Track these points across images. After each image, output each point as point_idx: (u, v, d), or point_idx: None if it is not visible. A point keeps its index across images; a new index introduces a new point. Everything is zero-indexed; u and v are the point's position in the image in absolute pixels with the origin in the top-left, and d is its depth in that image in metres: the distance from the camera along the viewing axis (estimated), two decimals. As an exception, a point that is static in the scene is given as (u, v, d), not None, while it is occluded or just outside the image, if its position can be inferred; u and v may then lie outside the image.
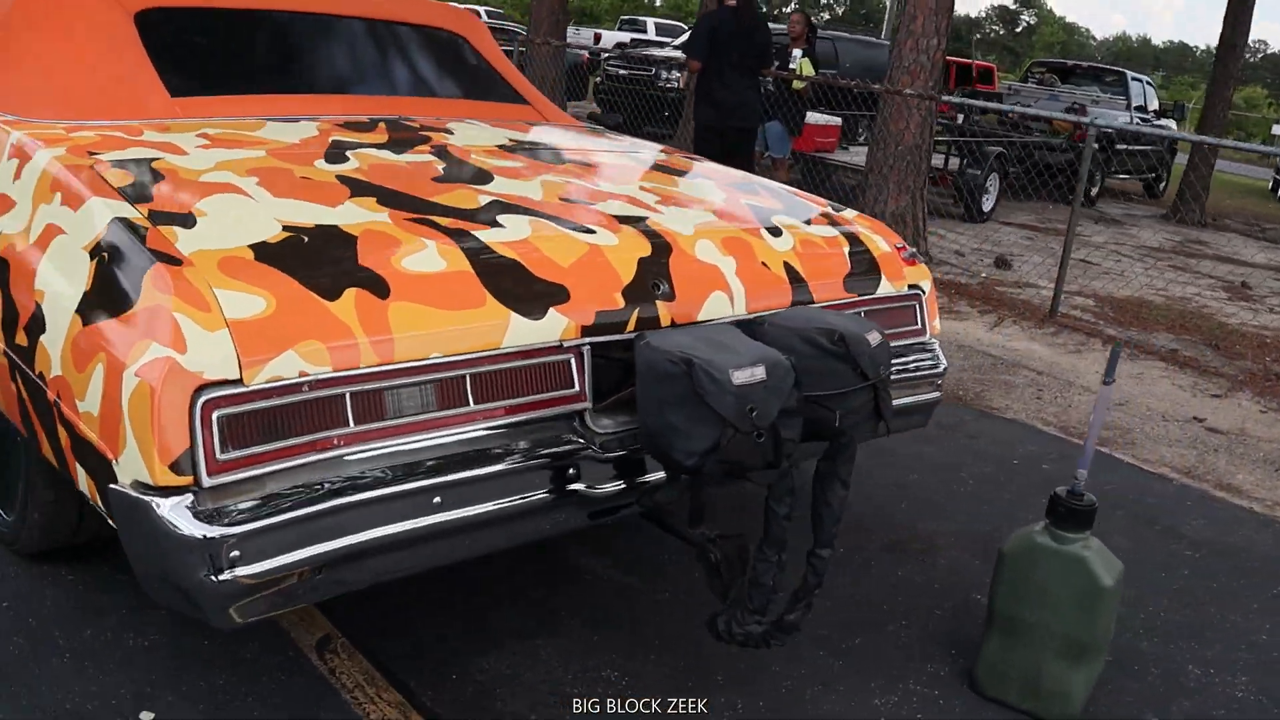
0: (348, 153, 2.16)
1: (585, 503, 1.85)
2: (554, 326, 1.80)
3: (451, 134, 2.50)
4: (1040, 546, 2.14)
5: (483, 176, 2.16)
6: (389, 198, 1.92)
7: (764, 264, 2.19)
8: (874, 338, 1.91)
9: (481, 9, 17.18)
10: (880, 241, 2.52)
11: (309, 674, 2.10)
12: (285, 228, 1.70)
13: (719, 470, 1.69)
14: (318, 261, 1.63)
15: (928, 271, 2.61)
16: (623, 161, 2.65)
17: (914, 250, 2.61)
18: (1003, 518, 3.05)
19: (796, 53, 7.60)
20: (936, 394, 2.59)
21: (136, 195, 1.75)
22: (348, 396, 1.58)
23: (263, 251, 1.62)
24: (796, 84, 7.37)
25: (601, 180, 2.33)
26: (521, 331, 1.76)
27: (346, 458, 1.58)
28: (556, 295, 1.82)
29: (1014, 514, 3.06)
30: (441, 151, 2.29)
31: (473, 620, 2.32)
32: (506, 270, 1.79)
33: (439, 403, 1.68)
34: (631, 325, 1.90)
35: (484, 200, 2.00)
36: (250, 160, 2.00)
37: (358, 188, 1.94)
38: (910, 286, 2.52)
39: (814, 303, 2.26)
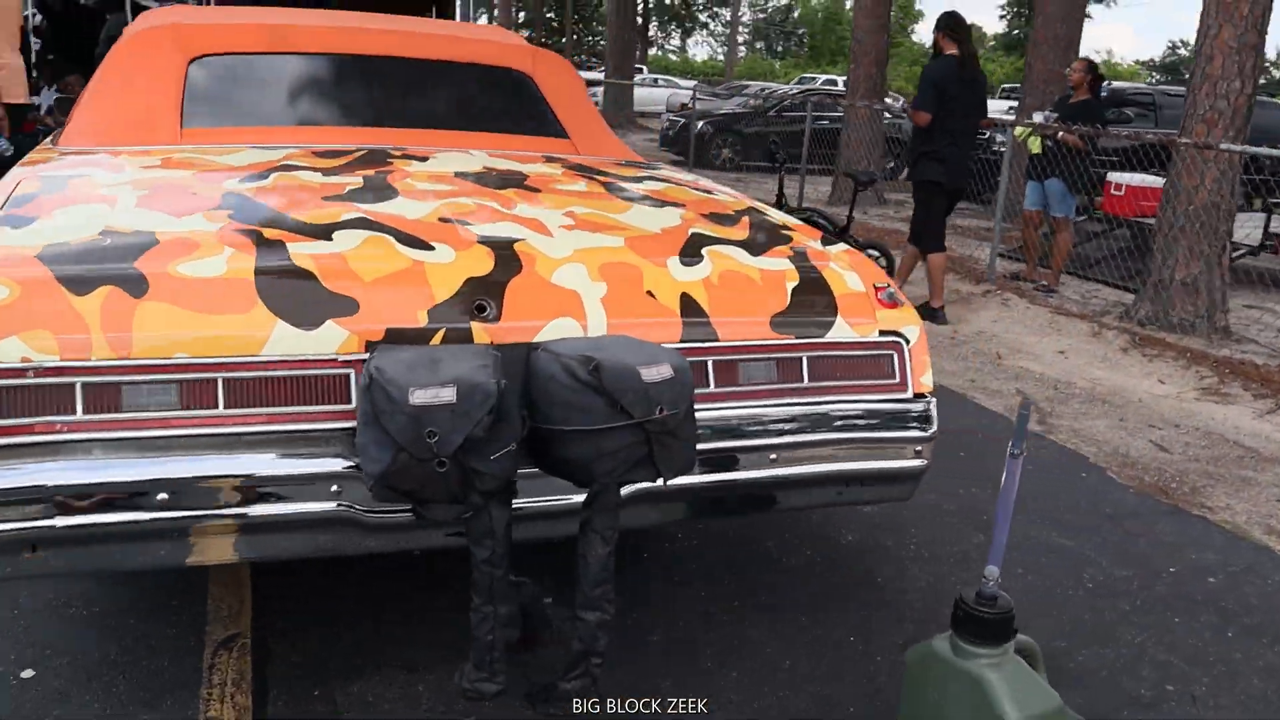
0: (272, 174, 2.27)
1: (351, 524, 1.76)
2: (330, 339, 1.75)
3: (422, 162, 2.53)
4: (937, 659, 1.71)
5: (383, 196, 2.16)
6: (247, 211, 1.98)
7: (649, 293, 1.98)
8: (656, 371, 1.64)
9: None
10: (850, 280, 2.17)
11: (188, 665, 2.19)
12: (103, 232, 1.82)
13: (393, 498, 1.53)
14: (90, 260, 1.72)
15: (915, 317, 2.20)
16: (584, 189, 2.51)
17: (894, 291, 2.21)
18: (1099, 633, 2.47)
19: (1038, 115, 6.83)
20: (919, 462, 2.16)
21: (12, 201, 1.96)
22: (78, 386, 1.64)
23: (49, 250, 1.74)
24: (1032, 143, 6.63)
25: (520, 204, 2.23)
26: (286, 341, 1.73)
27: (73, 444, 1.64)
28: (342, 308, 1.77)
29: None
30: (378, 177, 2.32)
31: (379, 641, 2.29)
32: (291, 281, 1.78)
33: (183, 403, 1.69)
34: (438, 339, 1.80)
35: (347, 216, 2.00)
36: (161, 178, 2.17)
37: (230, 202, 2.03)
38: (884, 333, 2.15)
39: (717, 340, 2.00)
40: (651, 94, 23.71)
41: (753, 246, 2.22)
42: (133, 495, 1.65)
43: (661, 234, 2.19)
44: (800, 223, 2.51)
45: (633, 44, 21.01)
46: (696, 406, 1.98)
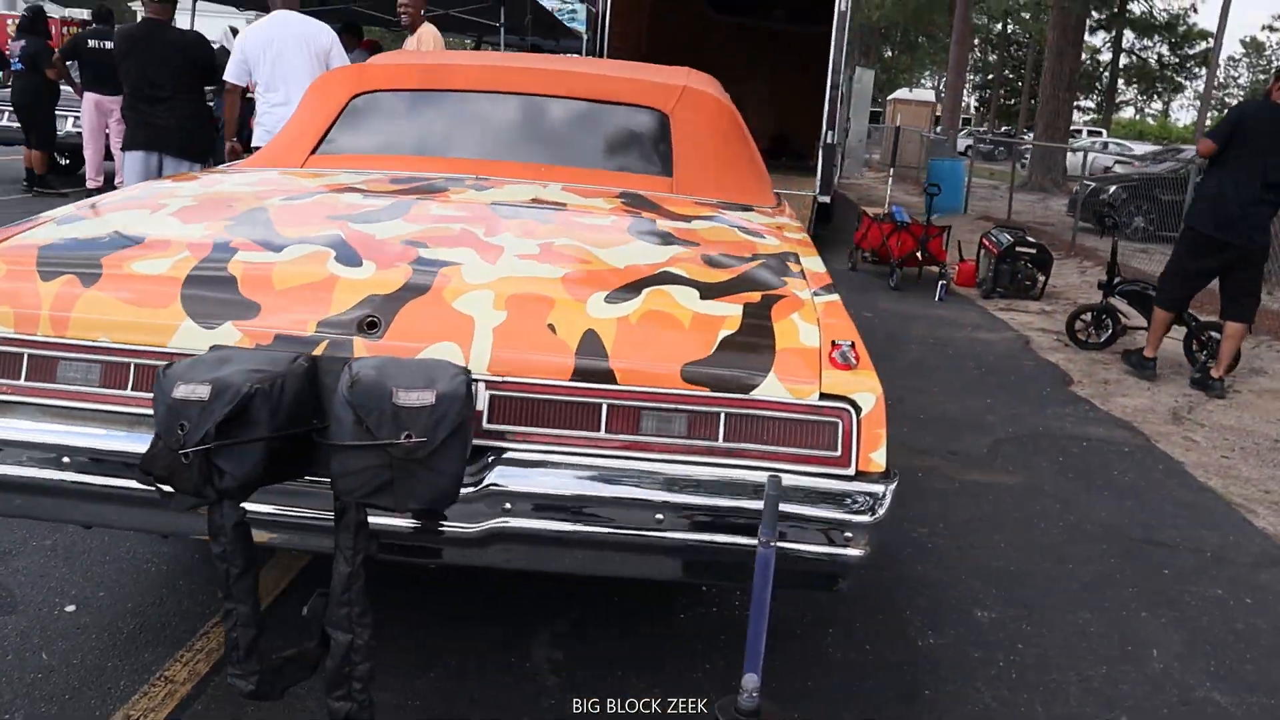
0: (318, 195, 2.49)
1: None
2: (224, 338, 1.90)
3: (480, 191, 2.64)
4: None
5: (388, 216, 2.28)
6: (247, 224, 2.20)
7: (550, 327, 1.91)
8: (415, 396, 1.57)
9: None
10: (804, 334, 1.92)
11: (186, 628, 2.45)
12: (111, 232, 2.14)
13: (149, 480, 1.61)
14: (70, 252, 2.03)
15: (874, 384, 1.88)
16: (600, 223, 2.44)
17: (846, 351, 1.90)
18: None
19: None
20: (852, 552, 1.84)
21: (96, 204, 2.36)
22: (25, 357, 1.94)
23: (55, 243, 2.07)
24: None
25: (505, 233, 2.24)
26: (190, 336, 1.91)
27: (14, 405, 1.94)
28: (245, 312, 1.92)
29: None
30: (412, 202, 2.45)
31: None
32: (213, 284, 1.96)
33: (101, 381, 1.93)
34: (319, 350, 1.88)
35: (320, 233, 2.15)
36: (223, 193, 2.47)
37: (244, 216, 2.26)
38: (828, 396, 1.87)
39: (614, 383, 1.87)
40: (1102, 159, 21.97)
41: (713, 290, 2.04)
42: (47, 455, 1.91)
43: (623, 270, 2.09)
44: (821, 272, 2.25)
45: (1067, 105, 19.49)
46: (586, 450, 1.88)
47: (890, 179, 10.48)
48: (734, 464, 1.89)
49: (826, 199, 9.71)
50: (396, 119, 3.13)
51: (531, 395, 1.89)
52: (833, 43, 9.57)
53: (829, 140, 9.66)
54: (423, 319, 1.91)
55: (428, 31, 5.63)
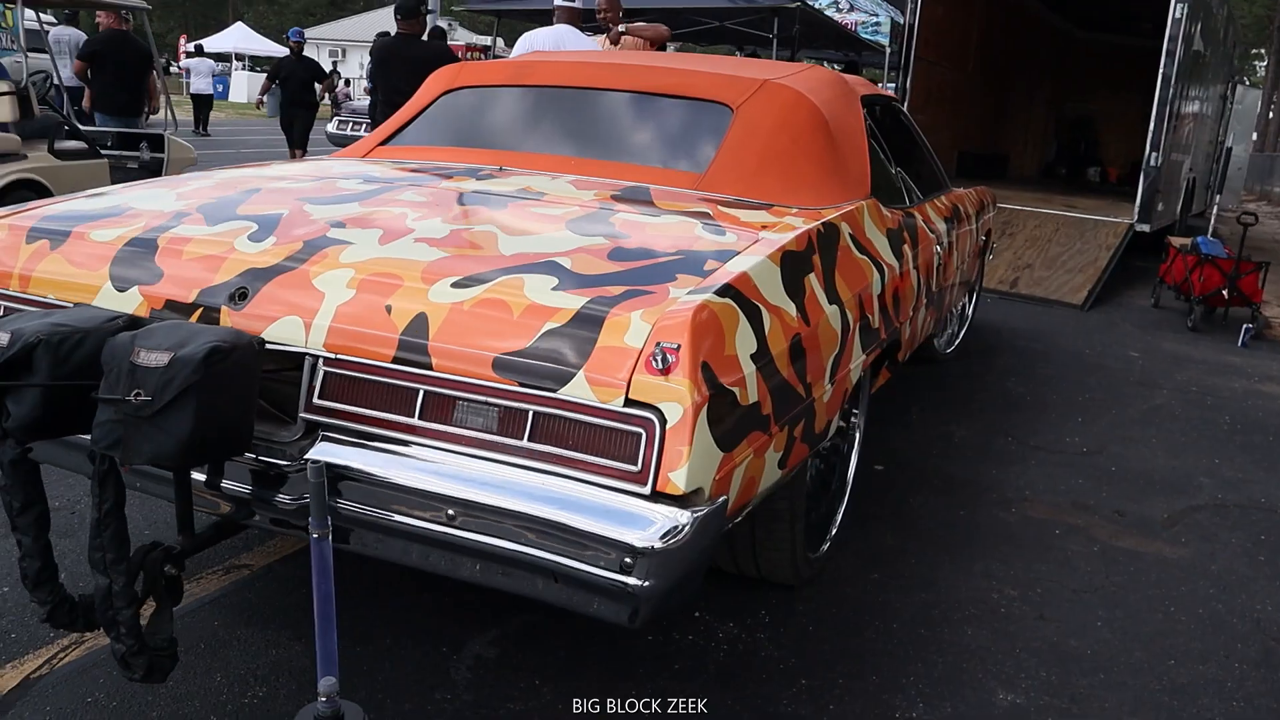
0: (323, 181, 2.63)
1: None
2: (129, 301, 2.08)
3: (477, 180, 2.66)
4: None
5: (343, 200, 2.38)
6: (228, 204, 2.37)
7: (387, 308, 1.89)
8: (152, 357, 1.61)
9: None
10: (633, 332, 1.75)
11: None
12: (111, 205, 2.41)
13: None
14: (61, 221, 2.31)
15: (689, 395, 1.66)
16: (555, 213, 2.35)
17: (669, 355, 1.68)
18: None
19: None
20: (635, 581, 1.64)
21: (118, 189, 2.67)
22: (1, 307, 2.24)
23: (59, 211, 2.37)
24: None
25: (436, 218, 2.25)
26: (107, 297, 2.10)
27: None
28: (151, 278, 2.08)
29: None
30: (393, 190, 2.52)
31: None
32: (140, 253, 2.14)
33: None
34: (194, 318, 2.00)
35: (268, 212, 2.28)
36: (255, 176, 2.68)
37: (235, 198, 2.45)
38: (633, 403, 1.68)
39: (430, 369, 1.82)
40: None
41: (581, 282, 1.91)
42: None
43: (506, 258, 2.02)
44: (742, 273, 2.01)
45: None
46: (400, 435, 1.85)
47: (1215, 206, 9.04)
48: (536, 467, 1.75)
49: (1145, 228, 8.57)
50: (467, 114, 3.22)
51: (358, 375, 1.88)
52: (1164, 53, 8.45)
53: (1153, 162, 8.54)
54: (281, 293, 1.96)
55: (630, 43, 5.70)
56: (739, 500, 1.89)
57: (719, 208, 2.55)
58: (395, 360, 1.84)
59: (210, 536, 2.00)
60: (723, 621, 2.64)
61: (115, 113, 7.54)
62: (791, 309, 2.12)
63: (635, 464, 1.68)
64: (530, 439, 1.76)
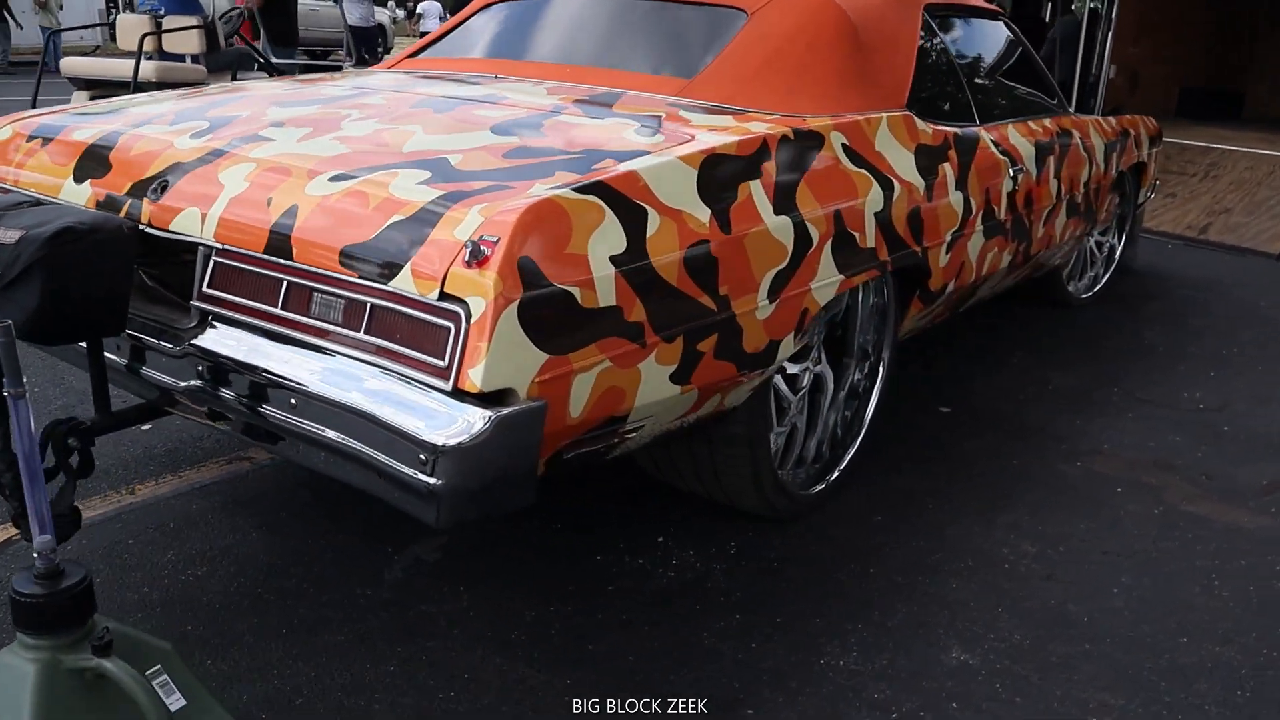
0: (307, 88, 2.69)
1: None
2: (82, 194, 2.21)
3: (474, 86, 2.67)
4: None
5: (305, 104, 2.43)
6: (195, 108, 2.47)
7: (268, 200, 1.92)
8: (7, 235, 1.69)
9: None
10: (464, 225, 1.69)
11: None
12: (118, 108, 2.56)
13: None
14: (59, 122, 2.47)
15: (493, 289, 1.59)
16: (501, 116, 2.29)
17: (485, 249, 1.60)
18: None
19: None
20: (431, 480, 1.60)
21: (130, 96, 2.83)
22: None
23: (53, 119, 2.49)
24: None
25: (362, 119, 2.25)
26: (68, 191, 2.25)
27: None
28: (100, 173, 2.21)
29: None
30: (359, 95, 2.55)
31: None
32: (100, 149, 2.26)
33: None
34: (123, 211, 2.11)
35: (225, 114, 2.36)
36: (270, 86, 2.78)
37: (208, 102, 2.54)
38: (446, 296, 1.64)
39: (291, 258, 1.83)
40: None
41: (452, 176, 1.86)
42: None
43: (399, 153, 2.01)
44: (630, 172, 1.88)
45: None
46: (264, 324, 1.89)
47: None
48: (371, 361, 1.73)
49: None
50: (491, 26, 3.19)
51: (238, 265, 1.93)
52: None
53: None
54: (190, 186, 2.03)
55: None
56: (598, 411, 1.80)
57: (680, 111, 2.40)
58: (266, 250, 1.86)
59: (132, 417, 2.12)
60: (683, 548, 2.55)
61: (283, 44, 8.09)
62: (703, 214, 1.98)
63: (442, 359, 1.63)
64: (367, 332, 1.74)
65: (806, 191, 2.28)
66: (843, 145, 2.48)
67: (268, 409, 1.83)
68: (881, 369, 2.89)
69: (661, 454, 2.52)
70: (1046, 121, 3.75)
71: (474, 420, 1.57)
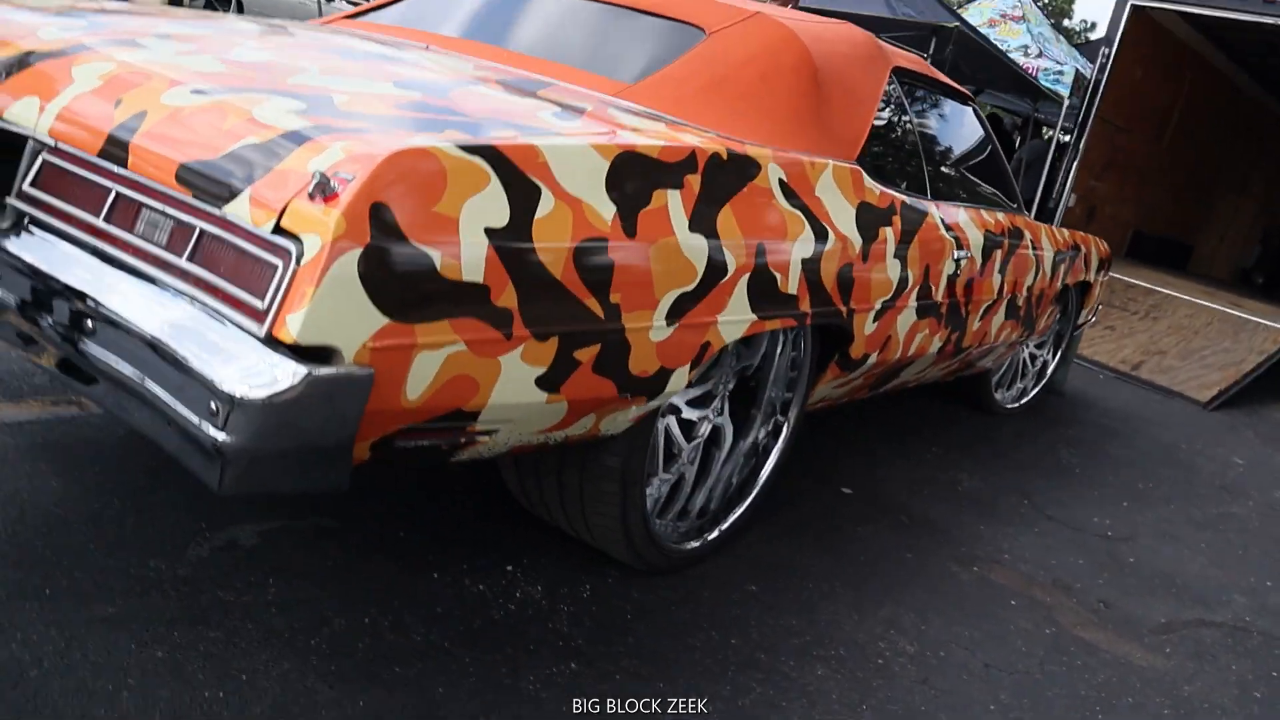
0: (242, 23, 2.46)
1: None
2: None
3: (424, 52, 2.45)
4: None
5: (235, 39, 2.17)
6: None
7: (118, 102, 1.67)
8: None
9: None
10: (321, 160, 1.46)
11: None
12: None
13: None
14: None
15: (333, 229, 1.36)
16: (397, 70, 2.12)
17: (335, 189, 1.37)
18: None
19: None
20: (219, 434, 1.36)
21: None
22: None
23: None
24: None
25: (283, 53, 2.04)
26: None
27: None
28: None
29: None
30: (282, 35, 2.32)
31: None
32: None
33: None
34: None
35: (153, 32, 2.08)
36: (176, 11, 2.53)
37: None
38: (281, 231, 1.40)
39: (125, 165, 1.59)
40: None
41: (333, 113, 1.64)
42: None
43: (290, 85, 1.79)
44: (531, 145, 1.67)
45: None
46: (83, 235, 1.64)
47: None
48: (188, 292, 1.49)
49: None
50: (437, 2, 2.99)
51: (67, 166, 1.68)
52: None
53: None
54: (38, 73, 1.79)
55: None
56: (442, 400, 1.57)
57: (609, 109, 2.21)
58: (100, 154, 1.61)
59: None
60: (532, 583, 2.30)
61: None
62: (607, 210, 1.78)
63: (262, 299, 1.39)
64: (190, 259, 1.50)
65: (730, 217, 2.09)
66: (780, 180, 2.30)
67: (63, 328, 1.57)
68: (786, 429, 2.70)
69: (531, 480, 2.29)
70: (1000, 215, 3.64)
71: (282, 374, 1.33)
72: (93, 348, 1.52)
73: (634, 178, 1.85)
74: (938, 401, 4.67)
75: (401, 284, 1.44)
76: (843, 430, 3.95)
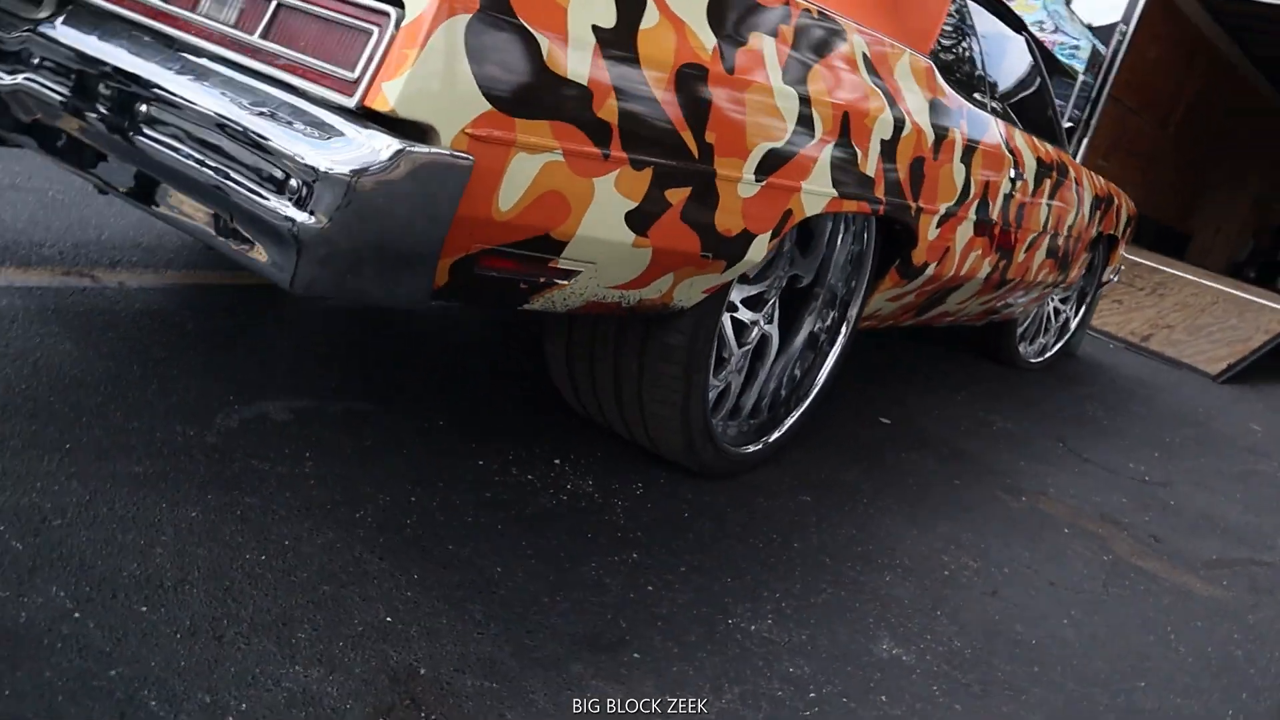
0: None
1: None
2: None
3: None
4: None
5: None
6: None
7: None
8: None
9: None
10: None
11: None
12: None
13: None
14: None
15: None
16: None
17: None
18: None
19: None
20: (304, 217, 1.19)
21: None
22: None
23: None
24: None
25: None
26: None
27: None
28: None
29: None
30: None
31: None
32: None
33: None
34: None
35: None
36: None
37: None
38: (374, -5, 1.22)
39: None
40: None
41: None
42: None
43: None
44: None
45: None
46: (127, 13, 1.45)
47: None
48: (263, 71, 1.31)
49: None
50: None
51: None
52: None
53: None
54: None
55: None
56: (533, 217, 1.40)
57: None
58: None
59: None
60: (581, 477, 2.14)
61: None
62: (708, 39, 1.61)
63: (353, 70, 1.21)
64: (264, 36, 1.32)
65: (820, 78, 1.93)
66: (864, 54, 2.15)
67: (111, 115, 1.38)
68: (845, 329, 2.55)
69: (583, 364, 2.13)
70: (1049, 147, 3.51)
71: (376, 147, 1.16)
72: (149, 138, 1.33)
73: (734, 10, 1.69)
74: (960, 354, 4.54)
75: (506, 67, 1.27)
76: (872, 368, 3.81)
